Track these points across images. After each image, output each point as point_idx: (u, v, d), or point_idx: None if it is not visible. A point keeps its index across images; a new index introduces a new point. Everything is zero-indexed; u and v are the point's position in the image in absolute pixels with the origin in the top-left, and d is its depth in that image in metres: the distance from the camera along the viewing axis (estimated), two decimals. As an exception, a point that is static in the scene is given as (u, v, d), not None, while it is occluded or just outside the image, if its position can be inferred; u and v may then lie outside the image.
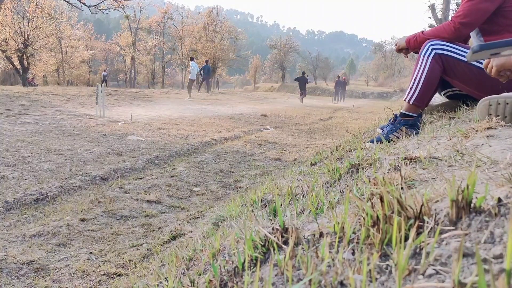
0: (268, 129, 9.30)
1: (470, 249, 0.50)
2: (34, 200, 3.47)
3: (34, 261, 2.38)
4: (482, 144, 1.25)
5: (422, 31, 2.31)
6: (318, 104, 22.84)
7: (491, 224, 0.53)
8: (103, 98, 9.27)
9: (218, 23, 38.27)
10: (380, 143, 2.03)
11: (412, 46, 2.34)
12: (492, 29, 2.15)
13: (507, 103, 1.52)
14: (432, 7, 14.91)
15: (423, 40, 2.23)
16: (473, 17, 2.08)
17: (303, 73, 24.89)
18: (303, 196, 1.52)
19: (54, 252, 2.53)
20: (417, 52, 2.28)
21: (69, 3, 18.19)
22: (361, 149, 1.89)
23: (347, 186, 1.35)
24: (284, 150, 6.46)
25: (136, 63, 40.82)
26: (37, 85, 22.64)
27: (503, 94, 1.56)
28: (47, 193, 3.60)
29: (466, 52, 2.08)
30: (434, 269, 0.49)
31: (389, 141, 2.08)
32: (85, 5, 17.73)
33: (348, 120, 12.28)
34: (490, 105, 1.58)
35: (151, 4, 42.78)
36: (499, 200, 0.58)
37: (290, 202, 1.41)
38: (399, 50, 2.47)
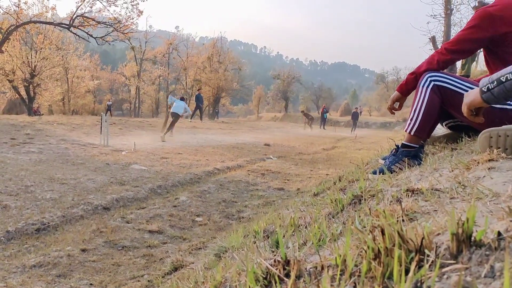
0: (271, 158, 9.31)
1: (471, 284, 0.50)
2: (36, 230, 3.45)
3: (33, 292, 2.35)
4: (484, 176, 1.25)
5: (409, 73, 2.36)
6: (321, 133, 22.92)
7: (491, 258, 0.54)
8: (107, 127, 9.36)
9: (222, 54, 38.95)
10: (383, 174, 2.03)
11: (405, 89, 2.35)
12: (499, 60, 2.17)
13: (508, 136, 1.53)
14: (433, 39, 15.14)
15: (412, 77, 2.27)
16: (461, 46, 2.13)
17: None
18: (305, 227, 1.51)
19: (54, 284, 2.50)
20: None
21: (77, 35, 18.59)
22: (364, 180, 1.89)
23: (350, 217, 1.35)
24: (287, 180, 6.44)
25: (140, 92, 41.35)
26: (42, 114, 22.88)
27: (503, 127, 1.57)
28: (48, 223, 3.59)
29: (464, 84, 2.11)
30: (435, 304, 0.49)
31: (391, 172, 2.08)
32: (92, 37, 18.13)
33: (351, 150, 12.28)
34: (491, 137, 1.59)
35: (156, 36, 43.74)
36: (499, 233, 0.58)
37: (293, 233, 1.40)
38: (392, 106, 2.43)
